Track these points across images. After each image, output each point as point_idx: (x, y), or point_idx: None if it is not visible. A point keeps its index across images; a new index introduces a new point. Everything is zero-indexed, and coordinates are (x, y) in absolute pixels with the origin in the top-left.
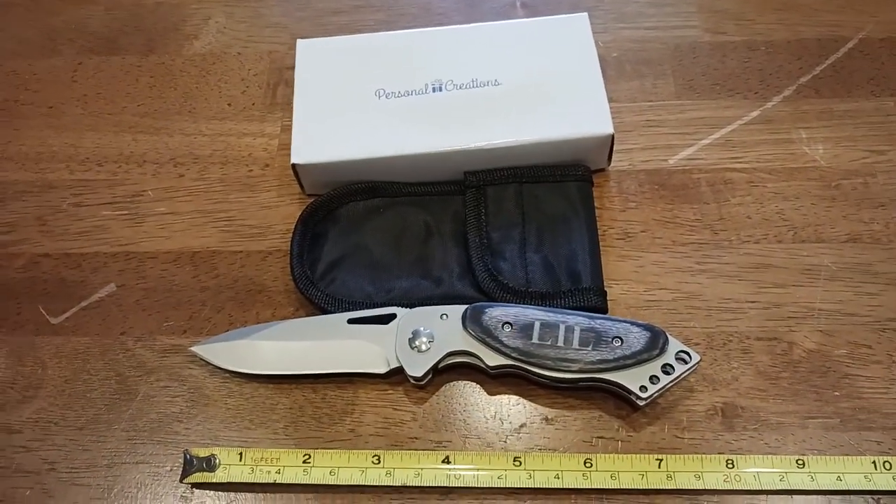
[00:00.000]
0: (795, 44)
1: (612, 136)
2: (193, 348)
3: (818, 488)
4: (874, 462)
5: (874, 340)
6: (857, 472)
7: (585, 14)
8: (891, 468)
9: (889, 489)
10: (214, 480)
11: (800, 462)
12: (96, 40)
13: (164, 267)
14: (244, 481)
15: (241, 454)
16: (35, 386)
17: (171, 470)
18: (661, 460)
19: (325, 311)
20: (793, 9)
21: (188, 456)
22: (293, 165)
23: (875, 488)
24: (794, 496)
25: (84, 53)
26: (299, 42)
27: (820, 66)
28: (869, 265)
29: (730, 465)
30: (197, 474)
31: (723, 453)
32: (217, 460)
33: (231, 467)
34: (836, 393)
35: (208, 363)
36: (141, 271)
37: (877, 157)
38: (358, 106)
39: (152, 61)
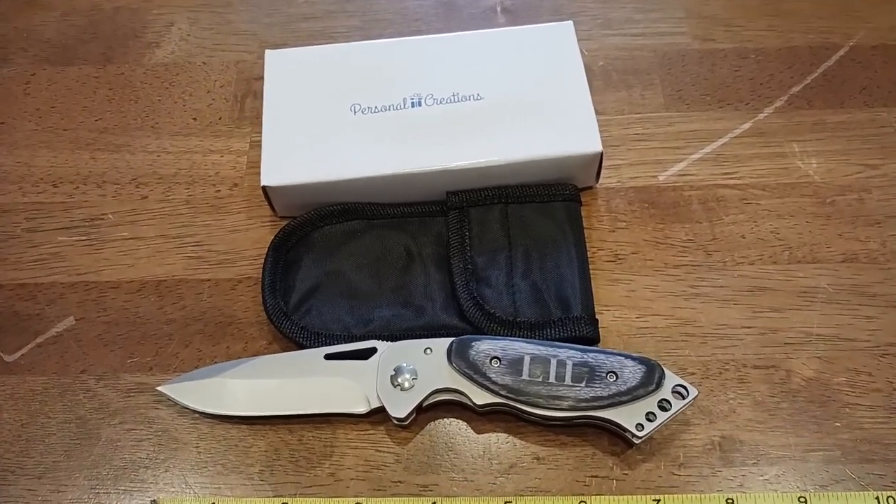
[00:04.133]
0: (786, 51)
1: (601, 154)
2: (160, 388)
3: None
4: (877, 498)
5: (874, 367)
6: None
7: (570, 23)
8: None
9: None
10: None
11: (802, 500)
12: (51, 49)
13: (126, 298)
14: None
15: None
16: None
17: None
18: (658, 501)
19: (300, 345)
20: (783, 15)
21: None
22: (263, 188)
23: None
24: None
25: (38, 63)
26: (268, 53)
27: (812, 76)
28: (866, 286)
29: None
30: None
31: (721, 491)
32: None
33: None
34: (837, 423)
35: (176, 403)
36: (102, 303)
37: (871, 171)
38: (332, 122)
39: (111, 72)
